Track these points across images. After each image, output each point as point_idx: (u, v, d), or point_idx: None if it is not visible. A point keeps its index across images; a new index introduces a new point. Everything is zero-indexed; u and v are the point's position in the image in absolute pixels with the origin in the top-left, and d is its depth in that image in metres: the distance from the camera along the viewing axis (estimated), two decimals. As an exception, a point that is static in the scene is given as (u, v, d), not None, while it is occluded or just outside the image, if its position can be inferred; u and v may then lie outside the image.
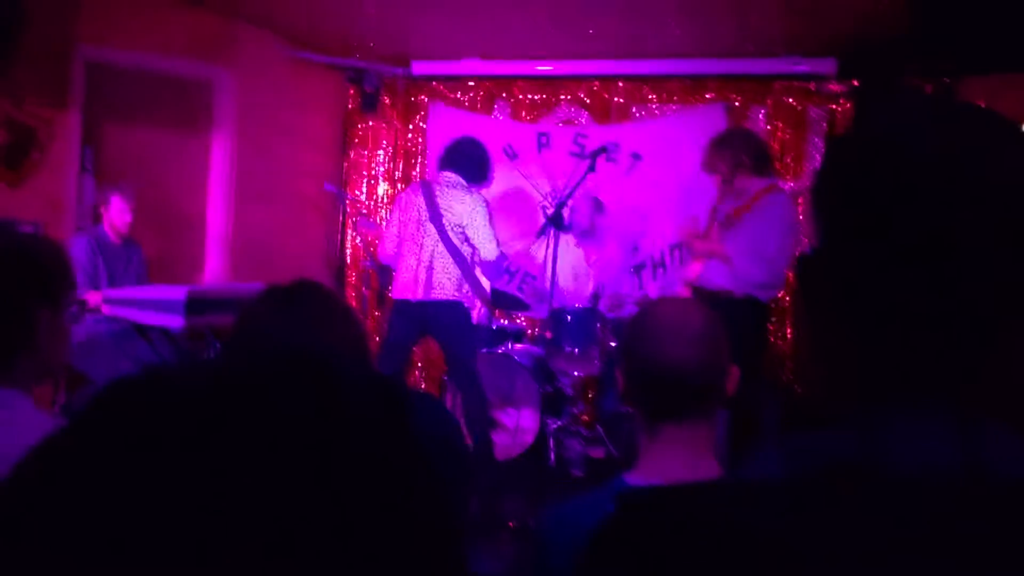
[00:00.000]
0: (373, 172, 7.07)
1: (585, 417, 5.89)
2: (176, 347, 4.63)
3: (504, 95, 6.81)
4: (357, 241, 6.80)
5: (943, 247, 0.63)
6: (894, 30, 4.87)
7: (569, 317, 5.26)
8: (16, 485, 0.41)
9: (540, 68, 6.50)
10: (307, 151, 6.71)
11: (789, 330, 6.11)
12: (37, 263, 1.56)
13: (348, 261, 7.04)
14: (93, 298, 4.52)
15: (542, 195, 6.57)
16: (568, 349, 5.22)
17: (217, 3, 5.61)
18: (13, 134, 4.79)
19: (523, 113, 6.77)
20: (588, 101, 6.64)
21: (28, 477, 0.41)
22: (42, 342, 1.53)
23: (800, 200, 5.15)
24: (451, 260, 4.69)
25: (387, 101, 6.90)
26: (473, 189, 4.81)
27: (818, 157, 6.10)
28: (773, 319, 5.69)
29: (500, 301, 6.06)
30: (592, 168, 5.41)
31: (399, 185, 6.98)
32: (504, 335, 5.82)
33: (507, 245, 5.96)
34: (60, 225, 5.08)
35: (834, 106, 6.07)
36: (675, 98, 6.45)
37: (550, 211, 5.63)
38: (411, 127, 7.04)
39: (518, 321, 6.42)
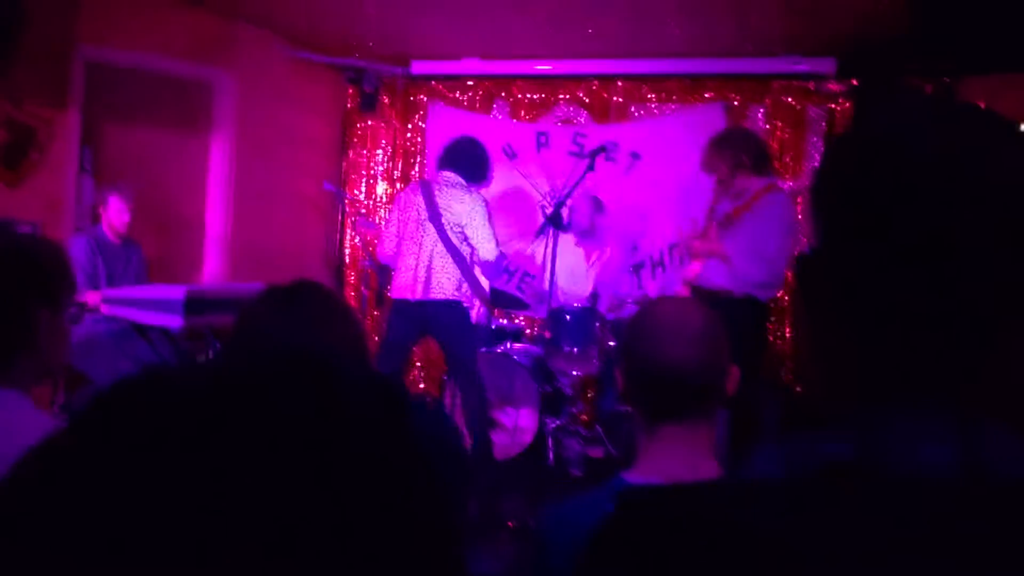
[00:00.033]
0: (372, 172, 7.07)
1: (584, 417, 5.89)
2: (175, 347, 4.63)
3: (503, 94, 6.81)
4: (356, 241, 6.80)
5: (943, 247, 0.63)
6: (894, 30, 4.87)
7: (568, 317, 5.27)
8: (16, 485, 0.41)
9: (539, 67, 6.50)
10: (306, 151, 6.71)
11: (788, 330, 6.11)
12: (36, 263, 1.56)
13: (347, 261, 7.04)
14: (92, 298, 4.52)
15: (541, 194, 6.57)
16: (567, 349, 5.22)
17: (216, 3, 5.60)
18: (12, 134, 4.79)
19: (522, 112, 6.77)
20: (587, 100, 6.64)
21: (28, 477, 0.41)
22: (41, 342, 1.53)
23: (799, 199, 5.15)
24: (450, 260, 4.68)
25: (386, 101, 6.90)
26: (472, 188, 4.81)
27: (817, 156, 6.10)
28: (772, 319, 5.69)
29: (499, 300, 6.06)
30: (591, 167, 5.41)
31: (398, 184, 6.98)
32: (503, 334, 5.82)
33: (506, 244, 5.96)
34: (59, 225, 5.08)
35: (833, 105, 6.07)
36: (674, 97, 6.45)
37: (549, 210, 5.63)
38: (410, 127, 7.04)
39: (517, 321, 6.42)
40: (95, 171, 5.47)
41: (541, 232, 5.54)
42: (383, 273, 5.91)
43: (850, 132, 0.75)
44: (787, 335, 6.12)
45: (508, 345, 5.70)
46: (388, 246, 4.91)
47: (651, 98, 6.50)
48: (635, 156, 6.38)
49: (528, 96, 6.74)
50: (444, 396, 5.58)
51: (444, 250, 4.67)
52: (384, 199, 7.04)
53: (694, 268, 4.48)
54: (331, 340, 1.51)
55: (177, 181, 5.93)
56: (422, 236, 4.70)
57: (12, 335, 1.51)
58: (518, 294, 6.33)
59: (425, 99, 6.96)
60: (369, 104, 6.64)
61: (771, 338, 5.89)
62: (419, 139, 7.03)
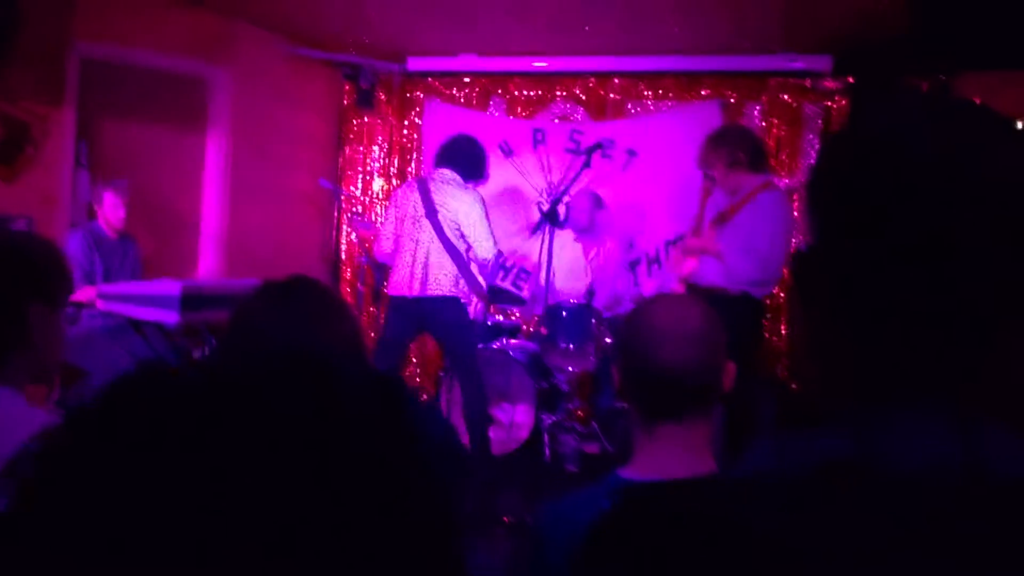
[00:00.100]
0: (368, 168, 7.07)
1: (580, 413, 5.89)
2: (171, 343, 4.62)
3: (500, 91, 6.81)
4: (352, 237, 6.80)
5: (941, 246, 0.63)
6: (890, 27, 4.87)
7: (564, 313, 5.26)
8: (15, 485, 0.41)
9: (536, 64, 6.49)
10: (302, 147, 6.70)
11: (784, 327, 6.11)
12: (31, 260, 1.56)
13: (343, 257, 7.04)
14: (88, 294, 4.51)
15: (537, 191, 6.56)
16: (563, 345, 5.22)
17: (213, 0, 5.59)
18: (7, 130, 4.78)
19: (519, 109, 6.76)
20: (584, 97, 6.64)
21: (27, 477, 0.41)
22: (36, 340, 1.53)
23: (796, 197, 5.16)
24: (447, 256, 4.68)
25: (382, 97, 6.89)
26: (469, 186, 4.80)
27: (813, 154, 6.11)
28: (768, 316, 5.70)
29: (496, 297, 6.05)
30: (587, 164, 5.41)
31: (394, 181, 6.98)
32: (499, 331, 5.83)
33: (502, 241, 5.96)
34: (54, 221, 5.07)
35: (829, 103, 6.07)
36: (671, 95, 6.45)
37: (545, 207, 5.63)
38: (406, 123, 7.03)
39: (513, 317, 6.42)
40: (91, 167, 5.46)
41: (537, 229, 5.54)
42: (379, 270, 5.91)
43: (846, 130, 0.74)
44: (783, 332, 6.12)
45: (504, 341, 5.70)
46: (385, 244, 4.91)
47: (648, 95, 6.50)
48: (631, 153, 6.38)
49: (525, 93, 6.74)
50: (440, 392, 5.58)
51: (441, 247, 4.67)
52: (380, 195, 7.04)
53: (689, 265, 4.48)
54: (327, 336, 1.50)
55: (173, 177, 5.93)
56: (419, 233, 4.70)
57: (6, 332, 1.50)
58: (514, 290, 6.33)
59: (421, 96, 6.95)
60: (365, 101, 6.63)
61: (767, 335, 5.90)
62: (415, 136, 7.02)
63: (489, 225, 4.74)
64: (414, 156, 7.03)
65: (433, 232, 4.67)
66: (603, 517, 0.67)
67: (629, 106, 6.56)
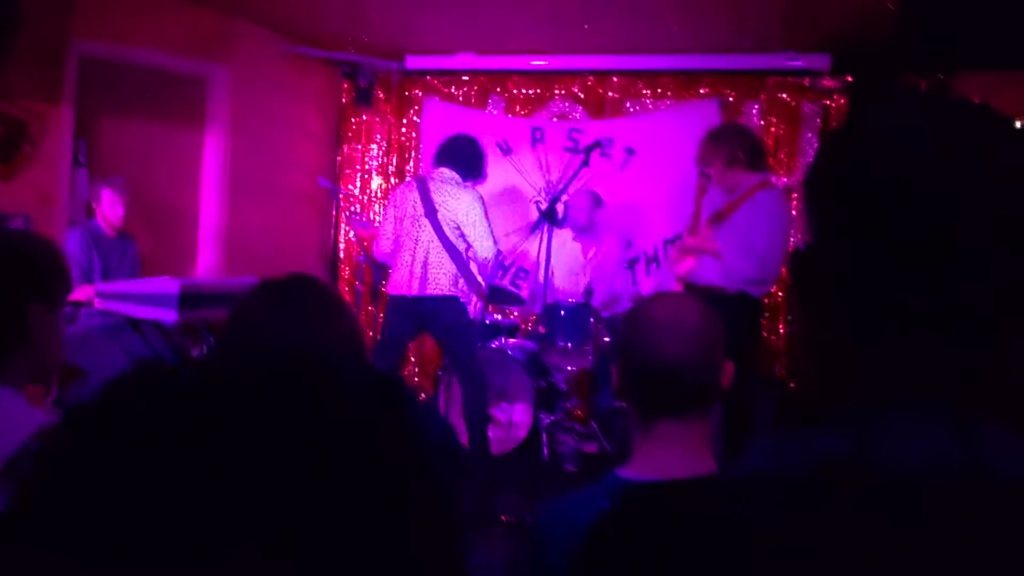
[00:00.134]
0: (367, 166, 7.06)
1: (578, 412, 5.89)
2: (169, 341, 4.62)
3: (498, 90, 6.80)
4: (351, 236, 6.79)
5: (941, 246, 0.63)
6: (889, 26, 4.87)
7: (563, 312, 5.26)
8: (14, 485, 0.41)
9: (534, 63, 6.49)
10: (301, 146, 6.70)
11: (782, 326, 6.12)
12: (30, 260, 1.55)
13: (342, 256, 7.03)
14: (86, 292, 4.51)
15: (536, 190, 6.56)
16: (561, 344, 5.22)
17: (211, -3, 5.60)
18: (5, 128, 4.77)
19: (517, 108, 6.76)
20: (582, 96, 6.63)
21: (26, 477, 0.41)
22: (36, 339, 1.53)
23: (794, 196, 5.16)
24: (446, 256, 4.68)
25: (381, 96, 6.89)
26: (468, 185, 4.80)
27: (812, 153, 6.11)
28: (766, 315, 5.70)
29: (494, 296, 6.05)
30: (586, 163, 5.41)
31: (393, 179, 6.98)
32: (498, 330, 5.82)
33: (501, 240, 5.96)
34: (52, 219, 5.06)
35: (828, 102, 6.08)
36: (669, 93, 6.45)
37: (544, 206, 5.63)
38: (405, 121, 7.03)
39: (512, 316, 6.42)
40: (90, 165, 5.45)
41: (536, 228, 5.54)
42: (378, 268, 5.90)
43: (845, 129, 0.74)
44: (781, 331, 6.13)
45: (503, 340, 5.70)
46: (385, 244, 4.90)
47: (646, 94, 6.50)
48: (630, 152, 6.38)
49: (523, 91, 6.73)
50: (439, 392, 5.58)
51: (440, 246, 4.67)
52: (379, 194, 7.03)
53: (687, 264, 4.48)
54: (326, 335, 1.50)
55: (172, 175, 5.92)
56: (418, 232, 4.69)
57: (6, 332, 1.50)
58: (513, 289, 6.33)
59: (420, 94, 6.95)
60: (364, 99, 6.63)
61: (765, 334, 5.90)
62: (414, 134, 7.02)
63: (489, 224, 4.74)
64: (413, 154, 7.03)
65: (432, 231, 4.67)
66: (602, 517, 0.67)
67: (628, 105, 6.56)
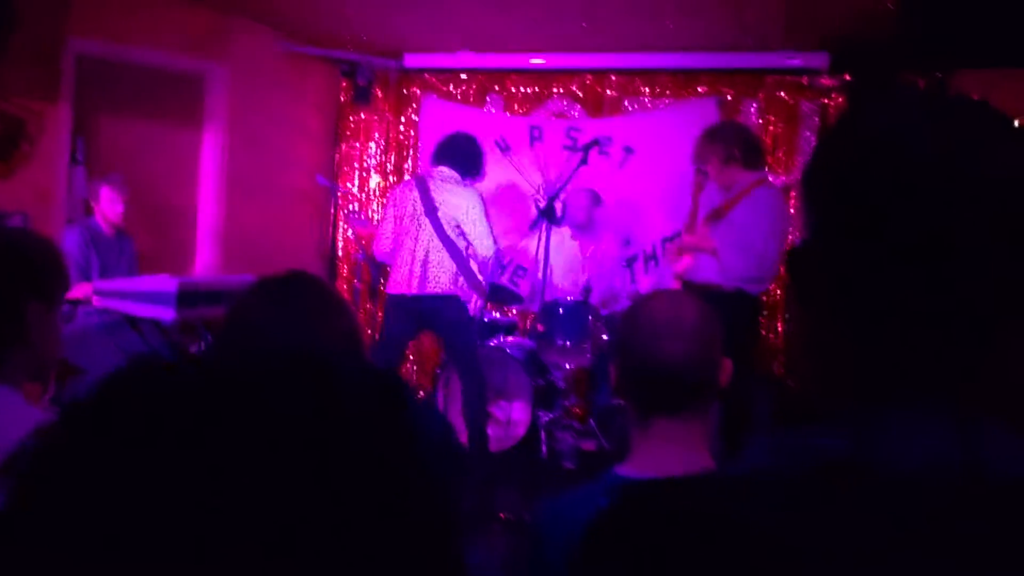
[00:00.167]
0: (365, 165, 7.06)
1: (577, 410, 5.89)
2: (167, 339, 4.62)
3: (497, 88, 6.80)
4: (349, 234, 6.79)
5: (941, 245, 0.62)
6: (887, 24, 4.87)
7: (561, 310, 5.27)
8: (11, 482, 0.41)
9: (533, 61, 6.49)
10: (299, 144, 6.69)
11: (781, 324, 6.12)
12: (28, 258, 1.55)
13: (340, 254, 7.03)
14: (84, 290, 4.50)
15: (534, 188, 6.56)
16: (560, 342, 5.22)
17: (209, -5, 5.59)
18: (2, 126, 4.77)
19: (515, 106, 6.76)
20: (581, 94, 6.63)
21: (23, 474, 0.41)
22: (34, 337, 1.53)
23: (792, 194, 5.16)
24: (446, 254, 4.68)
25: (379, 94, 6.88)
26: (467, 183, 4.80)
27: (810, 151, 6.10)
28: (764, 312, 5.70)
29: (494, 295, 6.05)
30: (584, 161, 5.41)
31: (391, 178, 6.97)
32: (496, 328, 5.82)
33: (499, 238, 5.96)
34: (49, 217, 5.06)
35: (826, 100, 6.08)
36: (667, 92, 6.45)
37: (542, 204, 5.63)
38: (403, 120, 7.02)
39: (510, 314, 6.42)
40: (87, 163, 5.45)
41: (534, 226, 5.53)
42: (376, 266, 5.90)
43: (843, 127, 0.74)
44: (779, 329, 6.13)
45: (501, 338, 5.70)
46: (384, 243, 4.89)
47: (645, 92, 6.50)
48: (628, 150, 6.38)
49: (522, 90, 6.73)
50: (437, 389, 5.58)
51: (440, 245, 4.67)
52: (377, 192, 7.03)
53: (684, 262, 4.48)
54: (325, 332, 1.50)
55: (169, 173, 5.92)
56: (418, 231, 4.69)
57: (4, 330, 1.50)
58: (511, 287, 6.33)
59: (418, 92, 6.95)
60: (362, 97, 6.62)
61: (763, 332, 5.90)
62: (412, 132, 7.01)
63: (489, 222, 4.74)
64: (411, 153, 7.03)
65: (433, 230, 4.66)
66: (600, 515, 0.67)
67: (626, 103, 6.56)
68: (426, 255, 4.67)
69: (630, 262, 6.23)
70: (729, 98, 6.25)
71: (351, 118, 7.03)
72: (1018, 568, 0.57)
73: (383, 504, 0.42)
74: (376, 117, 6.98)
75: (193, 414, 0.41)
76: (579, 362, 5.37)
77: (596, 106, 6.60)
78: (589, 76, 6.56)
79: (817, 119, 6.10)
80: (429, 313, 4.72)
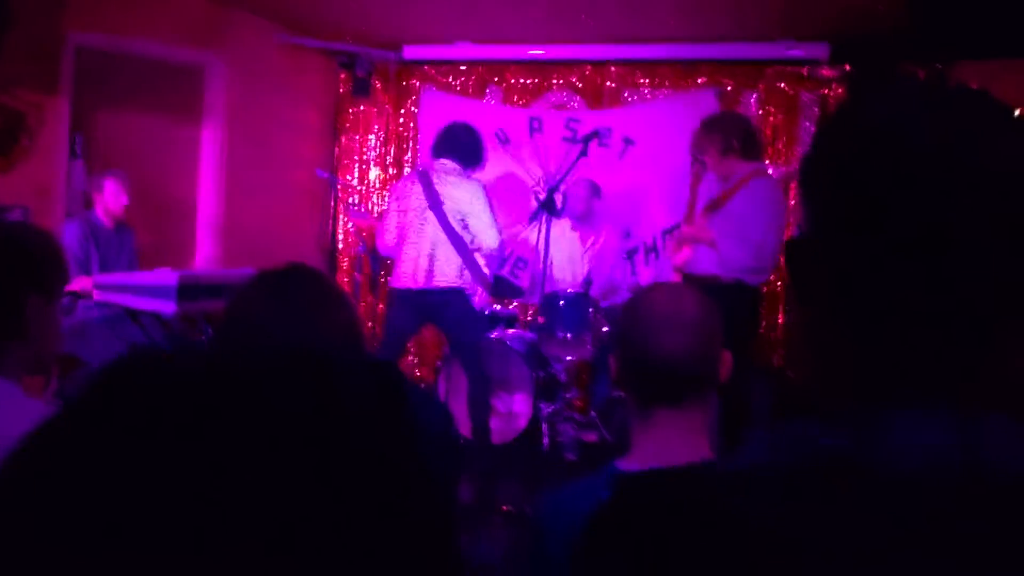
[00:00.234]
0: (365, 157, 7.05)
1: (578, 402, 5.90)
2: (168, 332, 4.62)
3: (496, 80, 6.79)
4: (349, 227, 6.79)
5: (941, 240, 0.62)
6: (887, 15, 4.86)
7: (562, 302, 5.26)
8: (10, 473, 0.41)
9: (532, 52, 6.48)
10: (298, 137, 6.68)
11: (781, 316, 6.12)
12: (27, 251, 1.55)
13: (340, 247, 7.03)
14: (83, 284, 4.51)
15: (534, 180, 6.55)
16: (561, 334, 5.22)
17: (207, -13, 5.57)
18: (2, 119, 4.76)
19: (515, 98, 6.75)
20: (580, 86, 6.62)
21: (23, 465, 0.41)
22: (33, 331, 1.53)
23: (792, 185, 5.16)
24: (452, 248, 4.67)
25: (379, 86, 6.87)
26: (469, 174, 4.80)
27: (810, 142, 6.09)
28: (765, 304, 5.70)
29: (499, 287, 6.05)
30: (584, 153, 5.40)
31: (391, 170, 6.97)
32: (497, 320, 5.82)
33: (501, 230, 5.96)
34: (49, 211, 5.06)
35: (826, 91, 6.06)
36: (667, 83, 6.43)
37: (542, 196, 5.62)
38: (403, 112, 7.02)
39: (511, 306, 6.42)
40: (87, 157, 5.44)
41: (534, 218, 5.53)
42: (376, 259, 5.90)
43: (842, 117, 0.73)
44: (779, 321, 6.13)
45: (502, 331, 5.70)
46: (389, 237, 4.88)
47: (644, 83, 6.49)
48: (628, 141, 6.37)
49: (521, 81, 6.72)
50: (439, 381, 5.59)
51: (446, 238, 4.66)
52: (377, 185, 7.02)
53: (684, 254, 4.48)
54: (325, 325, 1.50)
55: (169, 166, 5.91)
56: (423, 225, 4.68)
57: (3, 324, 1.50)
58: (512, 279, 6.33)
59: (418, 84, 6.94)
60: (362, 89, 6.61)
61: (764, 324, 5.90)
62: (412, 124, 7.00)
63: (493, 215, 4.73)
64: (411, 145, 7.02)
65: (438, 224, 4.66)
66: (601, 507, 0.67)
67: (626, 94, 6.55)
68: (432, 249, 4.66)
69: (631, 254, 6.23)
70: (729, 89, 6.24)
71: (350, 110, 7.02)
72: (1018, 568, 0.57)
73: (383, 502, 0.42)
74: (375, 109, 6.97)
75: (193, 406, 0.41)
76: (580, 354, 5.37)
77: (596, 97, 6.59)
78: (589, 67, 6.55)
79: (817, 110, 6.08)
80: (434, 307, 4.71)
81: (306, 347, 0.46)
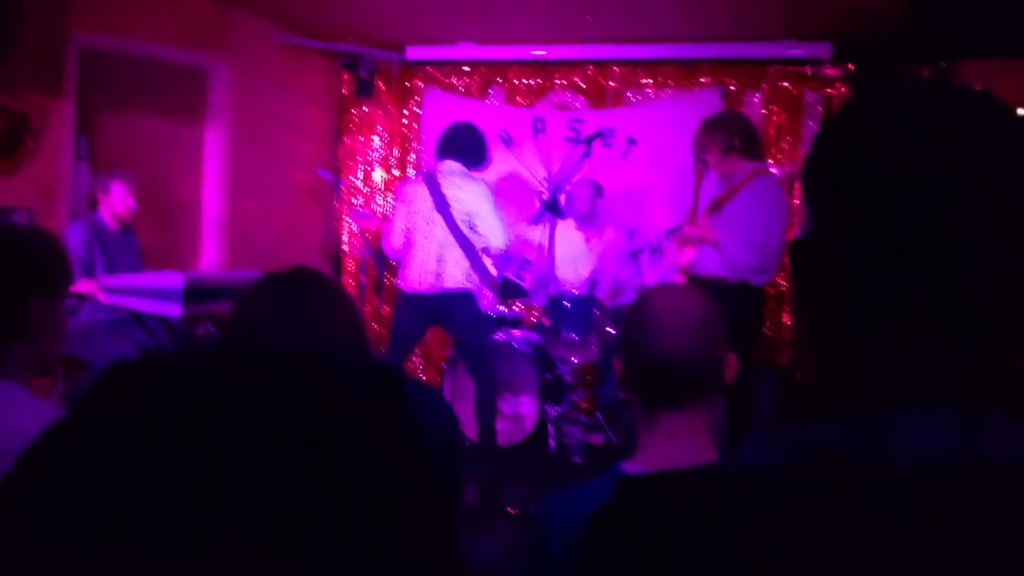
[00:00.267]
0: (368, 158, 7.05)
1: (584, 404, 5.90)
2: (174, 335, 4.62)
3: (499, 80, 6.79)
4: (354, 228, 6.79)
5: (942, 240, 0.62)
6: (890, 14, 4.86)
7: (567, 304, 5.26)
8: (16, 473, 0.41)
9: (535, 53, 6.47)
10: (301, 138, 6.69)
11: (786, 316, 6.11)
12: (32, 253, 1.56)
13: (345, 249, 7.03)
14: (87, 286, 4.51)
15: (537, 181, 6.55)
16: (566, 336, 5.22)
17: (211, -11, 5.58)
18: (7, 121, 4.77)
19: (518, 98, 6.74)
20: (583, 86, 6.62)
21: (26, 466, 0.41)
22: (38, 333, 1.53)
23: (796, 185, 5.15)
24: (459, 250, 4.67)
25: (382, 87, 6.87)
26: (474, 173, 4.80)
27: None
28: (771, 304, 5.69)
29: (506, 289, 6.04)
30: (587, 153, 5.40)
31: (395, 171, 6.97)
32: (502, 322, 5.83)
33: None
34: (54, 212, 5.06)
35: (830, 90, 6.05)
36: (670, 83, 6.43)
37: (546, 197, 5.62)
38: (406, 112, 7.01)
39: (516, 308, 6.42)
40: (91, 159, 5.45)
41: (538, 218, 5.53)
42: (381, 261, 5.90)
43: (844, 117, 0.73)
44: (784, 321, 6.12)
45: (508, 332, 5.70)
46: (396, 240, 4.87)
47: (647, 83, 6.48)
48: (631, 141, 6.37)
49: (524, 82, 6.72)
50: (444, 383, 5.59)
51: (454, 241, 4.66)
52: (381, 186, 7.02)
53: (688, 255, 4.48)
54: (330, 328, 1.50)
55: (173, 168, 5.92)
56: (431, 227, 4.68)
57: (8, 325, 1.50)
58: (516, 280, 6.32)
59: (421, 84, 6.94)
60: (365, 90, 6.61)
61: (769, 323, 5.89)
62: (415, 125, 7.00)
63: (500, 215, 4.73)
64: (414, 145, 7.02)
65: (445, 226, 4.65)
66: (603, 507, 0.67)
67: (629, 94, 6.54)
68: (440, 251, 4.65)
69: (635, 255, 6.23)
70: (732, 88, 6.23)
71: (353, 111, 7.02)
72: (1019, 568, 0.57)
73: (382, 502, 0.42)
74: (379, 110, 6.97)
75: (193, 406, 0.41)
76: (586, 356, 5.37)
77: (599, 97, 6.58)
78: (591, 67, 6.55)
79: (821, 109, 6.07)
80: (443, 310, 4.71)
81: (306, 347, 0.46)
